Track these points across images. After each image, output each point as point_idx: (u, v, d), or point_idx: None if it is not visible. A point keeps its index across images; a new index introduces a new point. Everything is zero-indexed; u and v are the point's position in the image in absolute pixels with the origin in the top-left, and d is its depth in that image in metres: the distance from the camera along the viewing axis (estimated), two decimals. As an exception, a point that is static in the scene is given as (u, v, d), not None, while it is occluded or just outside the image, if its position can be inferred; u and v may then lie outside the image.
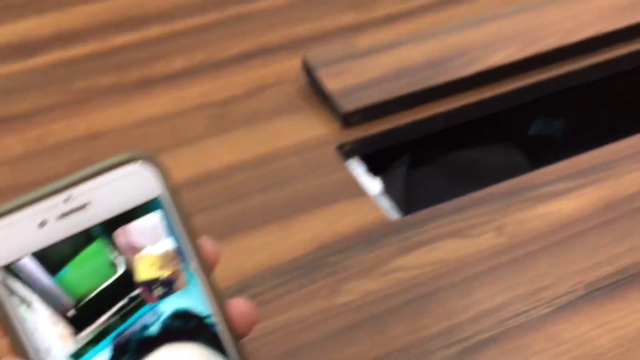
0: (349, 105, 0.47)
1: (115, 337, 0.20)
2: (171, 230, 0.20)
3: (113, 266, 0.20)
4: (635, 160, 0.41)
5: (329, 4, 0.61)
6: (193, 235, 0.21)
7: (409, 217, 0.40)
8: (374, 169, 0.47)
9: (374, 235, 0.39)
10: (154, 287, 0.20)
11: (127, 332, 0.20)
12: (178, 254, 0.21)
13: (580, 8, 0.53)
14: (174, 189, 0.21)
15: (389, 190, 0.46)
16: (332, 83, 0.48)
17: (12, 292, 0.19)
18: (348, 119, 0.47)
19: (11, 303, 0.18)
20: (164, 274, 0.21)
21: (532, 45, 0.50)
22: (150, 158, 0.20)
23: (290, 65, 0.53)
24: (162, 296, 0.21)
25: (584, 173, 0.41)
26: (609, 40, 0.51)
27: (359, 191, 0.43)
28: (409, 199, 0.47)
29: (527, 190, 0.40)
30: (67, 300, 0.19)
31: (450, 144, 0.53)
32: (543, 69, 0.51)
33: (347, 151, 0.46)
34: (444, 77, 0.48)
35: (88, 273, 0.20)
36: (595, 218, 0.38)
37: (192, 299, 0.21)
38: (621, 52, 0.52)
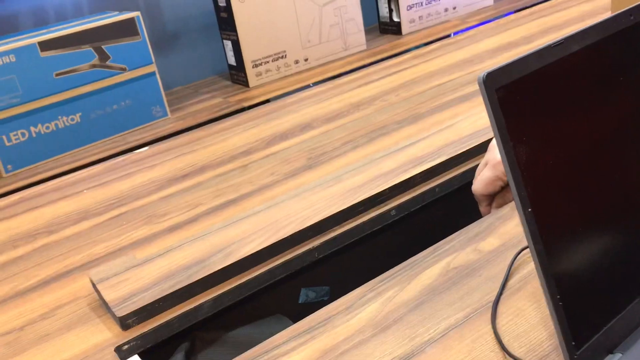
0: (124, 310, 0.55)
1: None
2: None
3: None
4: (342, 316, 0.52)
5: (126, 222, 0.72)
6: None
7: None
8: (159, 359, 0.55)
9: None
10: None
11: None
12: None
13: (314, 198, 0.68)
14: None
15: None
16: (111, 293, 0.57)
17: None
18: (125, 322, 0.55)
19: None
20: None
21: (277, 233, 0.63)
22: None
23: (85, 283, 0.62)
24: None
25: (308, 331, 0.51)
26: (337, 219, 0.65)
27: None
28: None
29: (266, 353, 0.50)
30: None
31: (232, 322, 0.63)
32: (291, 249, 0.63)
33: (126, 350, 0.54)
34: (206, 271, 0.59)
35: None
36: (311, 366, 0.47)
37: None
38: (352, 225, 0.66)
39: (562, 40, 0.41)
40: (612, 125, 0.42)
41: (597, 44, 0.42)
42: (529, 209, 0.39)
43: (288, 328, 0.52)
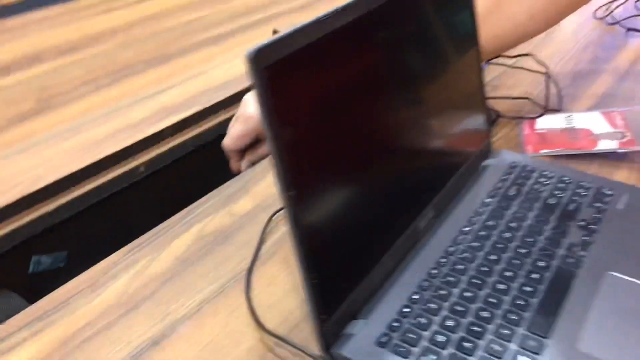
0: None
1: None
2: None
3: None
4: (83, 296, 0.47)
5: None
6: None
7: None
8: None
9: None
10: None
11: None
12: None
13: (47, 153, 0.59)
14: None
15: None
16: None
17: None
18: None
19: None
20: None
21: (0, 197, 0.53)
22: None
23: None
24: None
25: (42, 317, 0.45)
26: (76, 179, 0.58)
27: None
28: None
29: (-13, 350, 0.42)
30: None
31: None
32: (19, 215, 0.54)
33: None
34: None
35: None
36: (51, 357, 0.42)
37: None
38: (94, 184, 0.59)
39: (330, 13, 0.39)
40: (379, 101, 0.42)
41: (362, 17, 0.41)
42: (293, 192, 0.38)
43: (18, 314, 0.45)
